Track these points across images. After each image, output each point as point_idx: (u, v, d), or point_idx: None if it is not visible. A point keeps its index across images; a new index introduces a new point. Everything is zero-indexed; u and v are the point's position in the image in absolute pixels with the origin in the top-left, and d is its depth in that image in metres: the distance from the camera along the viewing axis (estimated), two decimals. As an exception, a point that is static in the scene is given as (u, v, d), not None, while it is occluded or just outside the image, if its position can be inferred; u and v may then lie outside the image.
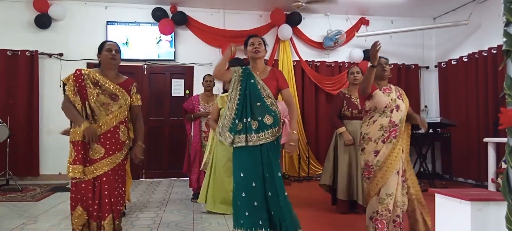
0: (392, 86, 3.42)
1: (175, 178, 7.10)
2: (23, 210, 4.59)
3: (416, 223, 3.34)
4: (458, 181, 7.14)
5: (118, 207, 2.87)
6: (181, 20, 7.18)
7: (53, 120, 6.69)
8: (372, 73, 3.20)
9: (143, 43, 7.14)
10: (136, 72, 7.15)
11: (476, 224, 2.22)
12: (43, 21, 6.79)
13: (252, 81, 3.06)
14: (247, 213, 2.96)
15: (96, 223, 2.77)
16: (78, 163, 2.71)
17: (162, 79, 7.33)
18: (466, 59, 7.02)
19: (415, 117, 3.46)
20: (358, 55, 7.63)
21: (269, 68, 3.23)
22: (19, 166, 6.50)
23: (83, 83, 2.80)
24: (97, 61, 3.01)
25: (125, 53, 7.05)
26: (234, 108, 3.03)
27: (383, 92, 3.33)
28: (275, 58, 7.45)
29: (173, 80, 7.33)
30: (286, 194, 3.02)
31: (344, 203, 4.42)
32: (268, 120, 3.00)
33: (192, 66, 7.31)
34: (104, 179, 2.78)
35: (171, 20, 7.13)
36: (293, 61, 7.51)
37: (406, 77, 7.83)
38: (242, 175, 2.99)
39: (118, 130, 2.82)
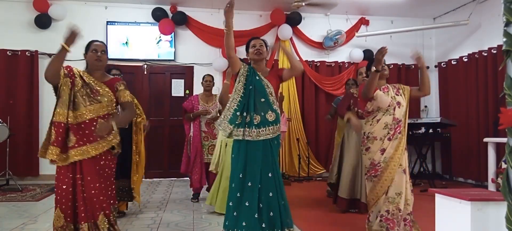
0: (389, 85, 3.46)
1: (175, 178, 7.09)
2: (23, 210, 4.59)
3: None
4: (458, 181, 7.14)
5: (109, 204, 2.82)
6: (181, 20, 7.18)
7: (53, 120, 6.69)
8: (375, 78, 3.23)
9: (143, 43, 7.14)
10: (136, 72, 7.16)
11: (476, 224, 2.22)
12: (43, 21, 6.79)
13: (257, 77, 3.09)
14: (235, 213, 2.97)
15: (84, 223, 2.71)
16: (55, 144, 2.67)
17: (162, 79, 7.33)
18: (466, 59, 7.02)
19: (422, 68, 3.51)
20: (358, 55, 7.63)
21: (268, 70, 3.27)
22: (19, 166, 6.50)
23: (71, 73, 2.82)
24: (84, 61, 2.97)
25: (125, 53, 7.06)
26: (237, 100, 3.05)
27: (383, 92, 3.35)
28: (275, 58, 7.45)
29: (173, 80, 7.33)
30: (283, 193, 3.06)
31: (344, 201, 4.43)
32: (270, 116, 3.03)
33: (192, 66, 7.31)
34: (88, 177, 2.72)
35: (171, 20, 7.13)
36: (293, 61, 7.50)
37: (406, 77, 7.82)
38: (241, 176, 2.99)
39: (95, 123, 2.76)
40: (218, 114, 5.13)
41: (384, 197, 3.25)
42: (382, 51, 3.18)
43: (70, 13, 6.94)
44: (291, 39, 7.52)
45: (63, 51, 2.69)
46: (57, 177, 2.76)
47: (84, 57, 2.95)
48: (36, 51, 6.76)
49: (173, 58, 7.25)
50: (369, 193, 3.37)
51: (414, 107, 7.67)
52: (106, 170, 2.86)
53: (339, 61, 7.74)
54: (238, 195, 2.98)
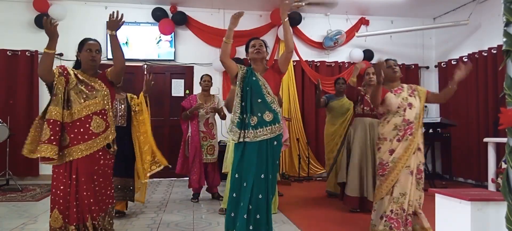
0: (405, 86, 3.45)
1: (175, 178, 7.09)
2: (23, 210, 4.59)
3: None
4: (458, 181, 7.14)
5: (99, 206, 2.79)
6: (181, 20, 7.18)
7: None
8: (378, 90, 3.24)
9: (143, 43, 7.14)
10: (136, 72, 7.15)
11: (476, 224, 2.22)
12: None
13: (254, 78, 3.08)
14: (232, 214, 2.98)
15: (76, 226, 2.69)
16: (54, 143, 2.61)
17: (162, 79, 7.33)
18: (466, 59, 7.01)
19: (452, 86, 3.36)
20: (358, 55, 7.63)
21: (268, 68, 3.25)
22: (19, 166, 6.49)
23: (65, 72, 2.80)
24: (76, 59, 2.95)
25: (125, 53, 6.96)
26: (239, 103, 3.06)
27: (394, 94, 3.36)
28: (275, 58, 7.44)
29: (173, 80, 7.33)
30: (271, 198, 3.03)
31: (353, 199, 4.44)
32: (267, 116, 3.02)
33: (192, 66, 7.31)
34: (82, 178, 2.71)
35: (171, 20, 7.13)
36: (293, 61, 7.51)
37: (406, 77, 7.80)
38: (237, 176, 2.99)
39: (90, 120, 2.75)
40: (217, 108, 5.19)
41: (389, 197, 3.27)
42: (381, 65, 3.19)
43: (70, 13, 6.95)
44: (291, 39, 7.51)
45: (48, 53, 2.67)
46: (55, 177, 2.72)
47: (77, 56, 2.92)
48: (36, 51, 6.76)
49: (173, 58, 7.25)
50: (376, 190, 3.42)
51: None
52: (106, 169, 2.84)
53: (339, 61, 7.74)
54: (234, 195, 2.98)
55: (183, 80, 7.33)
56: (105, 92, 2.85)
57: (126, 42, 7.07)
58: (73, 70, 2.85)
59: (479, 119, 6.61)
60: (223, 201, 4.58)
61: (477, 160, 6.57)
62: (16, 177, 6.15)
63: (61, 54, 6.84)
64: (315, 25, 7.66)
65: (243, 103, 3.04)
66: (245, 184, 2.95)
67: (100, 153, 2.80)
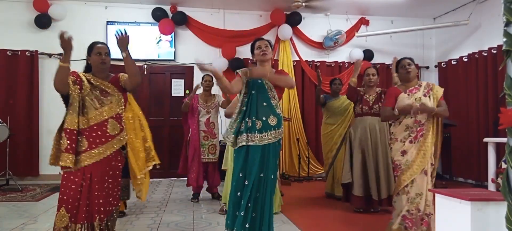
0: (423, 84, 3.43)
1: (175, 178, 7.09)
2: (23, 210, 4.60)
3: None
4: (458, 181, 7.14)
5: (108, 208, 2.82)
6: (181, 20, 7.18)
7: (53, 120, 6.68)
8: (391, 116, 3.43)
9: (143, 43, 7.13)
10: (136, 72, 7.15)
11: (476, 224, 2.22)
12: (43, 21, 6.79)
13: (260, 81, 3.06)
14: (237, 213, 2.96)
15: (82, 224, 2.71)
16: (71, 152, 2.70)
17: (162, 79, 7.33)
18: (466, 59, 7.02)
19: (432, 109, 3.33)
20: (358, 55, 7.63)
21: (274, 70, 3.24)
22: (19, 166, 6.50)
23: (78, 79, 2.83)
24: (86, 63, 2.99)
25: (125, 53, 7.06)
26: (242, 110, 3.04)
27: (408, 94, 3.36)
28: (275, 58, 7.45)
29: (173, 80, 7.33)
30: (273, 197, 3.03)
31: (360, 199, 4.44)
32: (272, 120, 3.01)
33: (192, 66, 7.31)
34: (95, 178, 2.74)
35: (171, 20, 7.13)
36: (293, 61, 7.51)
37: (406, 77, 7.82)
38: (241, 175, 2.99)
39: (106, 123, 2.80)
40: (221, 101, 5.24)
41: (404, 196, 3.31)
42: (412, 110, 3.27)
43: (70, 13, 6.95)
44: (291, 39, 7.52)
45: (63, 67, 2.73)
46: (66, 177, 2.75)
47: (87, 59, 2.96)
48: (36, 51, 6.76)
49: (173, 58, 7.25)
50: (395, 187, 3.47)
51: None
52: (116, 171, 2.88)
53: (339, 61, 7.74)
54: (238, 194, 2.97)
55: (183, 80, 7.33)
56: (119, 97, 2.89)
57: (126, 42, 7.06)
58: (85, 75, 2.88)
59: (479, 119, 6.61)
60: (222, 197, 4.58)
61: (477, 160, 6.57)
62: (16, 177, 6.15)
63: (61, 54, 6.80)
64: (315, 25, 7.66)
65: (245, 108, 3.02)
66: (246, 182, 2.95)
67: (113, 155, 2.84)
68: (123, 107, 2.94)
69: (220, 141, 5.41)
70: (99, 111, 2.79)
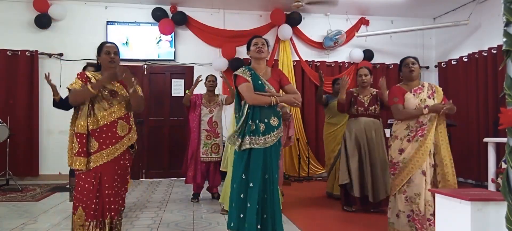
0: (425, 85, 3.42)
1: (175, 178, 7.10)
2: (23, 210, 4.60)
3: None
4: (458, 181, 7.12)
5: (117, 206, 2.87)
6: (181, 20, 7.18)
7: (53, 120, 6.70)
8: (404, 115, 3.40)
9: (143, 43, 7.14)
10: (136, 72, 7.15)
11: (476, 224, 2.22)
12: (43, 21, 6.79)
13: (259, 82, 3.05)
14: (241, 215, 2.95)
15: (90, 222, 2.76)
16: (82, 155, 2.75)
17: (162, 79, 7.33)
18: (466, 59, 7.02)
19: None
20: (358, 55, 7.63)
21: (270, 68, 3.23)
22: (19, 166, 6.50)
23: (87, 82, 2.85)
24: (96, 63, 3.04)
25: (125, 53, 7.06)
26: (245, 111, 3.01)
27: (414, 94, 3.34)
28: (275, 58, 7.45)
29: (173, 80, 7.33)
30: (278, 197, 3.04)
31: (358, 199, 4.46)
32: (274, 121, 3.02)
33: (192, 66, 7.31)
34: (105, 177, 2.79)
35: (171, 20, 7.13)
36: (293, 61, 7.51)
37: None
38: (243, 177, 2.98)
39: (116, 124, 2.84)
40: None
41: (402, 196, 3.30)
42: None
43: (70, 13, 6.95)
44: (291, 39, 7.52)
45: (91, 93, 2.77)
46: (80, 177, 2.80)
47: (97, 60, 2.99)
48: (36, 51, 6.76)
49: (173, 58, 7.25)
50: (390, 187, 3.46)
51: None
52: (124, 169, 2.91)
53: (339, 61, 7.74)
54: (241, 196, 2.96)
55: (183, 80, 7.33)
56: (127, 97, 2.92)
57: (126, 42, 7.07)
58: (94, 75, 2.91)
59: (479, 119, 6.61)
60: (221, 198, 4.58)
61: (477, 160, 6.57)
62: (16, 177, 6.15)
63: (61, 54, 6.85)
64: (315, 25, 7.66)
65: (249, 110, 3.00)
66: (251, 185, 2.94)
67: (122, 154, 2.87)
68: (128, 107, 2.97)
69: (224, 141, 5.43)
70: (108, 112, 2.82)
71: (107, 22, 7.02)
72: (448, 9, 7.40)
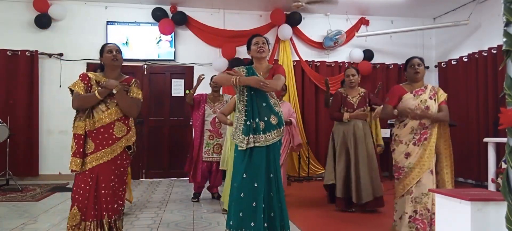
0: (429, 86, 3.40)
1: (175, 178, 7.10)
2: (23, 210, 4.59)
3: None
4: (458, 181, 7.14)
5: (115, 206, 2.87)
6: (181, 20, 7.18)
7: (53, 120, 6.70)
8: (390, 114, 3.43)
9: (143, 43, 7.14)
10: (136, 72, 7.15)
11: (476, 224, 2.22)
12: (43, 21, 6.79)
13: None
14: (241, 214, 2.94)
15: (92, 222, 2.77)
16: (78, 156, 2.77)
17: (162, 79, 7.33)
18: (466, 59, 7.02)
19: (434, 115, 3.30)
20: (358, 55, 7.63)
21: (270, 66, 3.23)
22: (19, 166, 6.50)
23: (89, 84, 2.88)
24: (98, 62, 3.09)
25: (125, 53, 7.02)
26: (244, 109, 3.03)
27: (414, 95, 3.33)
28: (275, 58, 7.45)
29: (173, 80, 7.33)
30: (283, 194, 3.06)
31: (341, 200, 4.46)
32: (273, 120, 3.02)
33: (192, 66, 7.31)
34: (102, 178, 2.80)
35: (171, 20, 7.13)
36: (293, 61, 7.51)
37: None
38: (244, 176, 2.97)
39: (113, 126, 2.84)
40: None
41: (408, 197, 3.28)
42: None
43: (70, 13, 6.95)
44: (291, 39, 7.53)
45: (96, 97, 2.79)
46: (79, 177, 2.82)
47: (100, 60, 3.03)
48: (36, 51, 6.76)
49: (173, 58, 7.25)
50: (394, 190, 3.43)
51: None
52: (121, 169, 2.91)
53: (339, 61, 7.73)
54: (241, 195, 2.96)
55: (183, 80, 7.33)
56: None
57: (126, 42, 7.07)
58: (95, 76, 2.93)
59: (479, 119, 6.61)
60: (222, 199, 4.58)
61: (477, 160, 6.57)
62: (16, 177, 6.15)
63: (61, 54, 6.85)
64: (315, 25, 7.66)
65: (248, 108, 3.01)
66: (256, 185, 2.94)
67: (119, 155, 2.87)
68: None
69: None
70: (105, 114, 2.83)
71: (107, 22, 7.02)
72: (448, 9, 7.40)
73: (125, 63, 6.86)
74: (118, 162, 2.87)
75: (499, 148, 5.12)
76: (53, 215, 4.36)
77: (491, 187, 5.08)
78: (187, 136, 7.07)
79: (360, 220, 4.18)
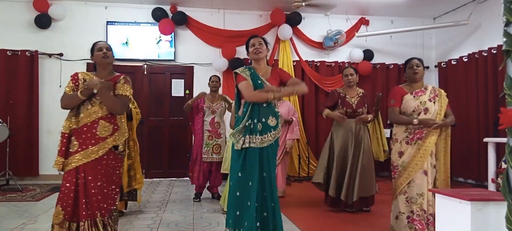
0: (429, 88, 3.39)
1: (175, 178, 7.10)
2: (23, 210, 4.59)
3: None
4: (458, 181, 7.14)
5: (105, 206, 2.82)
6: (181, 20, 7.18)
7: (53, 120, 6.70)
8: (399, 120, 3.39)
9: (143, 43, 7.14)
10: (136, 72, 7.16)
11: (476, 224, 2.22)
12: (43, 21, 6.79)
13: (259, 82, 3.06)
14: (237, 213, 2.96)
15: (85, 221, 2.74)
16: (60, 155, 2.80)
17: (162, 79, 7.33)
18: (466, 59, 7.02)
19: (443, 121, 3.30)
20: (358, 55, 7.63)
21: (270, 68, 3.23)
22: (19, 166, 6.50)
23: (77, 83, 2.87)
24: (93, 63, 3.04)
25: (125, 53, 7.07)
26: (246, 110, 3.02)
27: (414, 96, 3.33)
28: (275, 58, 7.45)
29: (173, 80, 7.33)
30: (276, 194, 3.05)
31: (332, 199, 4.48)
32: (271, 121, 3.02)
33: (192, 66, 7.32)
34: (89, 177, 2.76)
35: (171, 20, 7.13)
36: (293, 61, 7.51)
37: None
38: (240, 175, 2.99)
39: (96, 125, 2.79)
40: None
41: (402, 197, 3.29)
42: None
43: (70, 13, 6.95)
44: (291, 39, 7.53)
45: (79, 97, 2.78)
46: (64, 176, 2.82)
47: (91, 59, 3.02)
48: (36, 51, 6.76)
49: (173, 58, 7.25)
50: (392, 191, 3.44)
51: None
52: (109, 169, 2.86)
53: (339, 61, 7.73)
54: (237, 193, 2.98)
55: (183, 80, 7.33)
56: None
57: (126, 42, 7.08)
58: (84, 75, 2.92)
59: (479, 119, 6.61)
60: (221, 200, 4.58)
61: (477, 160, 6.57)
62: (16, 177, 6.15)
63: (61, 54, 6.85)
64: (315, 25, 7.66)
65: (250, 109, 3.00)
66: (250, 184, 2.95)
67: (106, 155, 2.83)
68: None
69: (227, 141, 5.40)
70: (89, 112, 2.80)
71: (107, 22, 7.02)
72: (448, 9, 7.40)
73: (125, 63, 6.95)
74: (104, 162, 2.81)
75: (499, 148, 5.12)
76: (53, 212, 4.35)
77: (491, 187, 5.08)
78: (187, 136, 7.07)
79: (359, 220, 4.18)
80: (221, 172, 4.89)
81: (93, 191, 2.77)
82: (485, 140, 5.40)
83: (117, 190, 2.97)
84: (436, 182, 3.37)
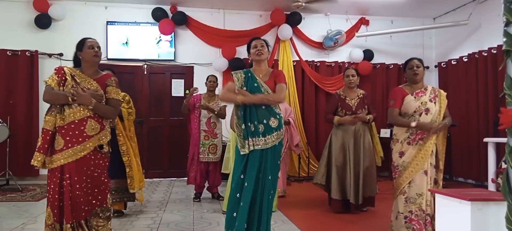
0: (429, 88, 3.39)
1: (175, 178, 7.10)
2: (23, 210, 4.59)
3: None
4: (458, 181, 7.14)
5: (89, 207, 2.78)
6: (181, 20, 7.18)
7: (53, 120, 6.69)
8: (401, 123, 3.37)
9: (143, 43, 7.13)
10: (136, 72, 7.16)
11: (476, 224, 2.22)
12: (43, 21, 6.79)
13: (255, 84, 3.05)
14: (234, 214, 2.96)
15: (71, 224, 2.70)
16: (41, 151, 2.70)
17: (162, 79, 7.33)
18: (466, 59, 7.02)
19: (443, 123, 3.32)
20: (358, 55, 7.63)
21: (271, 70, 3.23)
22: (19, 166, 6.49)
23: (63, 78, 2.80)
24: (74, 58, 2.96)
25: (125, 53, 7.06)
26: (241, 114, 3.01)
27: (415, 97, 3.33)
28: (275, 58, 7.45)
29: (173, 80, 7.33)
30: (270, 199, 3.01)
31: (338, 202, 4.43)
32: (273, 122, 3.01)
33: (192, 66, 7.32)
34: (75, 178, 2.71)
35: (171, 20, 7.13)
36: (293, 61, 7.51)
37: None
38: (242, 177, 2.98)
39: (84, 123, 2.74)
40: (218, 110, 5.16)
41: (401, 197, 3.29)
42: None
43: (70, 13, 6.95)
44: (291, 39, 7.53)
45: (67, 99, 2.70)
46: (49, 176, 2.77)
47: (78, 55, 2.91)
48: (36, 51, 6.76)
49: (173, 58, 7.25)
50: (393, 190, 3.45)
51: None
52: (96, 169, 2.81)
53: (339, 61, 7.73)
54: (237, 195, 2.97)
55: (183, 80, 7.33)
56: (102, 96, 2.84)
57: (126, 42, 7.07)
58: (71, 70, 2.84)
59: (479, 119, 6.61)
60: (223, 203, 4.57)
61: (477, 160, 6.57)
62: (16, 177, 6.14)
63: (61, 54, 6.85)
64: (315, 25, 7.66)
65: (246, 112, 2.99)
66: (246, 184, 2.95)
67: (91, 154, 2.78)
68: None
69: (224, 142, 5.39)
70: (76, 109, 2.73)
71: (107, 22, 7.02)
72: (448, 9, 7.40)
73: (125, 63, 6.95)
74: (91, 161, 2.78)
75: (499, 148, 5.12)
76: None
77: (491, 187, 5.08)
78: (187, 136, 7.06)
79: (359, 220, 4.18)
80: (226, 172, 4.87)
81: (77, 192, 2.71)
82: (485, 140, 5.40)
83: (107, 190, 2.91)
84: (438, 182, 3.37)
